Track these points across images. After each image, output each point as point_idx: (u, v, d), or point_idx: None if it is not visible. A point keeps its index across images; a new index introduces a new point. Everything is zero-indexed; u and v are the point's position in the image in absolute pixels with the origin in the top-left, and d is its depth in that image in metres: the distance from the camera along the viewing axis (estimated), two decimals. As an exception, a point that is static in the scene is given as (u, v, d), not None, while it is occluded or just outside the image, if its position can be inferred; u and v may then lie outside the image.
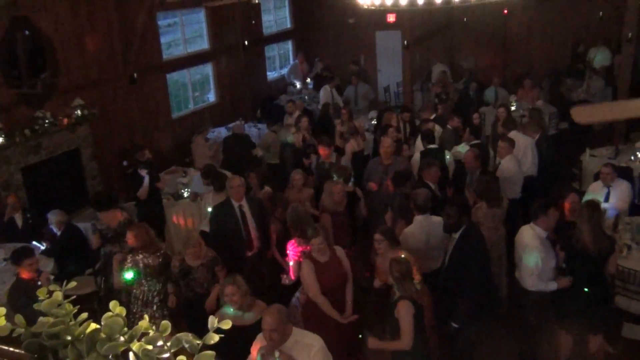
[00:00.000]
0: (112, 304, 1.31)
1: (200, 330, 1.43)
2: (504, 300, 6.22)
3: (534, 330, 5.58)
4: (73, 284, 1.32)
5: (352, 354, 5.34)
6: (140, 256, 5.57)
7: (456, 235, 5.25)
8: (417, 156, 7.89)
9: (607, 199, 6.78)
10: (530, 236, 5.19)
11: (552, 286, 5.16)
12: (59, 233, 7.11)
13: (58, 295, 1.25)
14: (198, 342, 1.27)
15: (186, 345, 1.28)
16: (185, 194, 8.62)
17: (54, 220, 7.10)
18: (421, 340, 4.63)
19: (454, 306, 5.19)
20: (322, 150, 7.91)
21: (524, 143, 7.83)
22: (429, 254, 5.74)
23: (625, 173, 7.97)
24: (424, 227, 5.76)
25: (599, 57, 13.00)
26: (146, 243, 5.59)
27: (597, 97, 11.91)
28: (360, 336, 5.00)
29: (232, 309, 4.56)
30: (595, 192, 6.92)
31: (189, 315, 5.64)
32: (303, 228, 5.78)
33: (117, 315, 1.26)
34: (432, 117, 9.71)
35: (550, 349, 5.75)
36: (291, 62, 15.96)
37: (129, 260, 5.58)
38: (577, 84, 12.53)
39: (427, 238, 5.74)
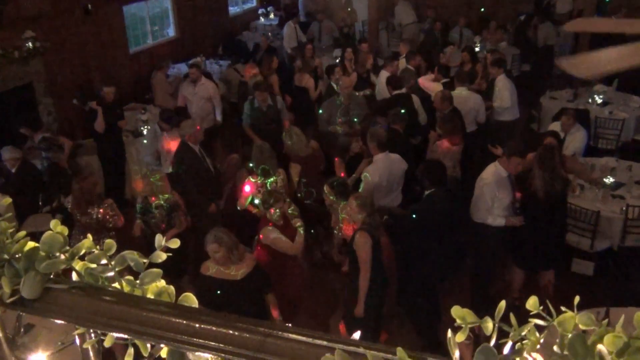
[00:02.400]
0: (53, 222, 1.26)
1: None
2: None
3: (488, 267, 5.78)
4: (8, 199, 1.27)
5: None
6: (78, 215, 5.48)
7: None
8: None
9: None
10: (489, 172, 5.36)
11: (500, 222, 5.31)
12: (13, 170, 6.90)
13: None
14: (144, 260, 1.24)
15: (132, 264, 1.25)
16: (145, 132, 8.42)
17: (7, 157, 6.87)
18: (379, 275, 4.73)
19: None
20: (259, 95, 7.48)
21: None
22: (390, 190, 5.85)
23: (582, 115, 8.13)
24: (384, 164, 5.81)
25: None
26: (80, 200, 5.46)
27: (558, 42, 12.05)
28: None
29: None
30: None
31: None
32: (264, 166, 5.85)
33: (58, 233, 1.22)
34: (404, 55, 9.57)
35: (503, 283, 6.00)
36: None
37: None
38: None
39: (388, 175, 5.81)
